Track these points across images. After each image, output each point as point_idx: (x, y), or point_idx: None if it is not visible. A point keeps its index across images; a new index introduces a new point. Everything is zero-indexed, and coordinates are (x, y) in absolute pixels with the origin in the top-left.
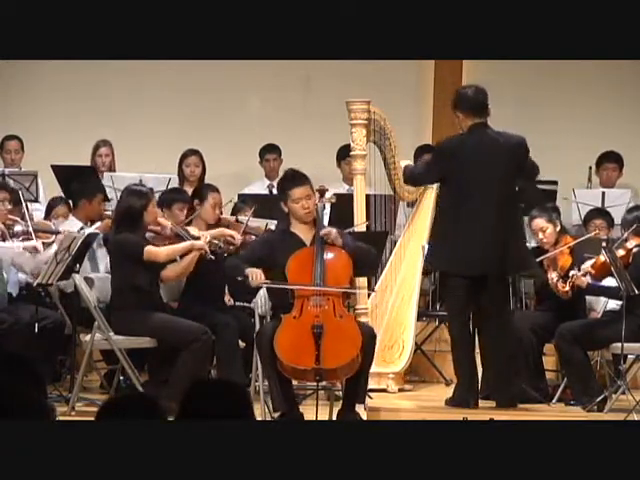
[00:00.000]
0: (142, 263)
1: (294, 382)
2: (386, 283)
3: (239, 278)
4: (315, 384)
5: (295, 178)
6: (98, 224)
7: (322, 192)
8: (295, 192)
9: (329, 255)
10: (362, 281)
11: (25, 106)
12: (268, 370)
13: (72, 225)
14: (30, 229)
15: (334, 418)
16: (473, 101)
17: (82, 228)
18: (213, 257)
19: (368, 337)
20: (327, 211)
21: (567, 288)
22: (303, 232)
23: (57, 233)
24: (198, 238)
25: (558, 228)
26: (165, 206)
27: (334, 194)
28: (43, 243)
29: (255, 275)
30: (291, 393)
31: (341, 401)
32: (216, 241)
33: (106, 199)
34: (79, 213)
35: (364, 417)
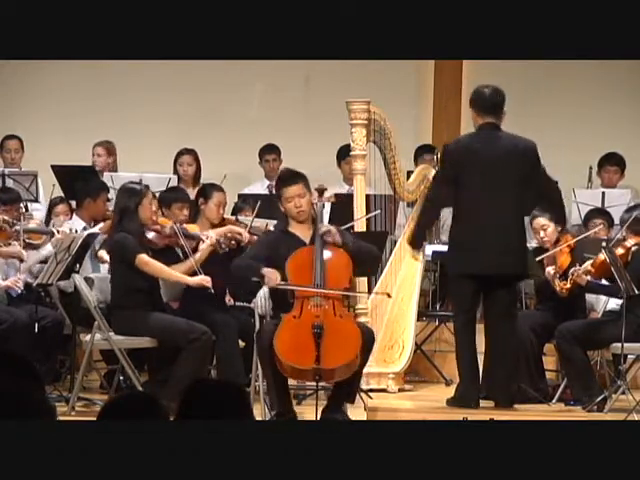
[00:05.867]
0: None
1: (294, 382)
2: (386, 283)
3: (254, 279)
4: (315, 384)
5: (287, 177)
6: (101, 225)
7: (321, 191)
8: (287, 191)
9: (329, 254)
10: (363, 281)
11: (25, 106)
12: (266, 369)
13: (75, 225)
14: (20, 230)
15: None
16: (488, 101)
17: (85, 228)
18: (213, 291)
19: (367, 338)
20: (327, 210)
21: (568, 285)
22: (302, 231)
23: (52, 234)
24: (199, 238)
25: (559, 227)
26: (165, 205)
27: (334, 194)
28: (32, 245)
29: (272, 275)
30: (287, 392)
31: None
32: (222, 239)
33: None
34: (83, 213)
35: (357, 416)
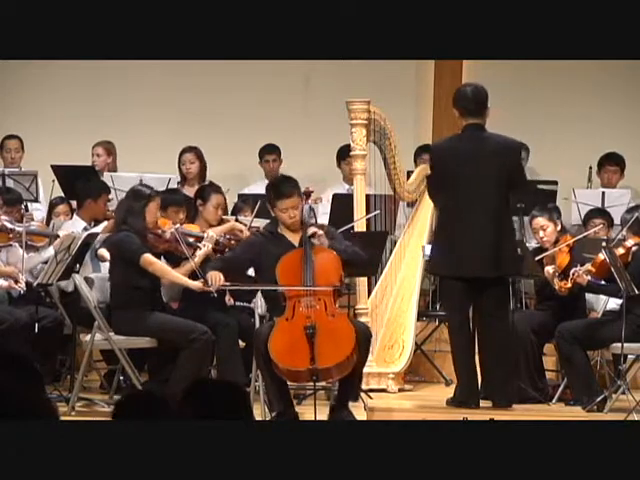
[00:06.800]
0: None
1: (292, 383)
2: (386, 283)
3: (200, 282)
4: (313, 384)
5: (283, 189)
6: (104, 224)
7: (307, 194)
8: (283, 203)
9: (318, 256)
10: (363, 281)
11: (25, 106)
12: (264, 372)
13: (76, 225)
14: (23, 232)
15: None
16: (471, 100)
17: (85, 228)
18: (215, 295)
19: (362, 335)
20: (327, 211)
21: (569, 285)
22: (291, 233)
23: (55, 237)
24: (202, 238)
25: (559, 227)
26: (161, 208)
27: (334, 194)
28: (34, 246)
29: (214, 278)
30: (286, 392)
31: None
32: (221, 239)
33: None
34: (84, 213)
35: (357, 416)
